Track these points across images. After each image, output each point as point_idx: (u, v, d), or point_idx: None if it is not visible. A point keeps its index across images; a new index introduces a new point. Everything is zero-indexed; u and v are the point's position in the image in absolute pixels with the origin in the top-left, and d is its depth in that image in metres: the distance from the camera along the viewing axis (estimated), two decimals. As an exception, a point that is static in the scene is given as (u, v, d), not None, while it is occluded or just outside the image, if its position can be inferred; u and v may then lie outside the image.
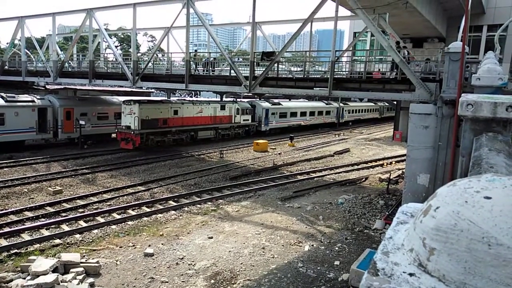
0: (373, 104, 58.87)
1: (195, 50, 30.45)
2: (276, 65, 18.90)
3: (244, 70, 20.91)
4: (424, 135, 11.99)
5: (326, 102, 47.00)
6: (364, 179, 21.55)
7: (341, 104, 49.57)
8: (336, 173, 22.79)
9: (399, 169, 22.98)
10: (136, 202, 15.73)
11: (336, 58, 17.47)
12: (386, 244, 1.07)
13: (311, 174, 22.27)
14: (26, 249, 11.34)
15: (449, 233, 0.85)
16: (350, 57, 23.79)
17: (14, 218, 13.53)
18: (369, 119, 58.26)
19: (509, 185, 0.91)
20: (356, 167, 24.73)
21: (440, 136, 11.89)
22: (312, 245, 12.40)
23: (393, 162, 26.35)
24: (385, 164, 25.95)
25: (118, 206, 15.20)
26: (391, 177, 20.03)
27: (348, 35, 33.31)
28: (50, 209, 14.57)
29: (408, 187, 12.37)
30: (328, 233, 13.50)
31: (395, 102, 32.73)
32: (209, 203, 16.39)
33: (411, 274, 0.90)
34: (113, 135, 28.71)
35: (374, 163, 25.90)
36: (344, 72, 19.44)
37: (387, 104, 57.01)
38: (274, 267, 10.80)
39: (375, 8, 18.84)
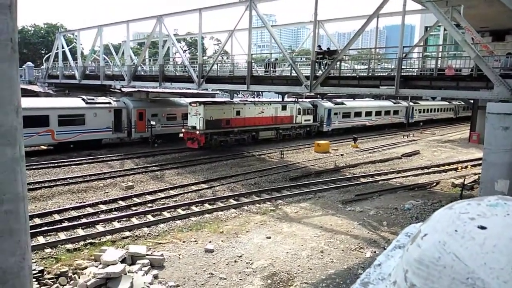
0: (447, 103, 54.83)
1: None
2: (338, 63, 18.41)
3: (305, 70, 20.67)
4: (504, 137, 10.84)
5: (394, 101, 44.76)
6: (435, 183, 20.12)
7: (411, 103, 46.86)
8: (403, 177, 21.56)
9: (475, 174, 21.08)
10: (199, 199, 16.32)
11: (404, 54, 16.54)
12: (370, 272, 0.90)
13: (375, 177, 21.32)
14: (100, 239, 12.30)
15: (431, 268, 0.68)
16: (421, 53, 22.37)
17: (90, 210, 14.77)
18: (443, 119, 54.36)
19: None
20: (426, 170, 23.17)
21: (523, 138, 10.68)
22: (375, 252, 11.84)
23: (469, 166, 24.25)
24: (459, 168, 23.98)
25: (182, 202, 15.88)
26: (465, 182, 18.46)
27: (419, 30, 31.35)
28: (122, 203, 15.67)
29: (484, 194, 11.22)
30: (392, 240, 12.80)
31: (471, 101, 30.13)
32: (268, 203, 16.45)
33: None
34: (181, 135, 30.18)
35: (446, 167, 24.06)
36: (414, 69, 18.35)
37: (463, 102, 52.74)
38: (333, 272, 10.51)
39: (447, 0, 17.48)
